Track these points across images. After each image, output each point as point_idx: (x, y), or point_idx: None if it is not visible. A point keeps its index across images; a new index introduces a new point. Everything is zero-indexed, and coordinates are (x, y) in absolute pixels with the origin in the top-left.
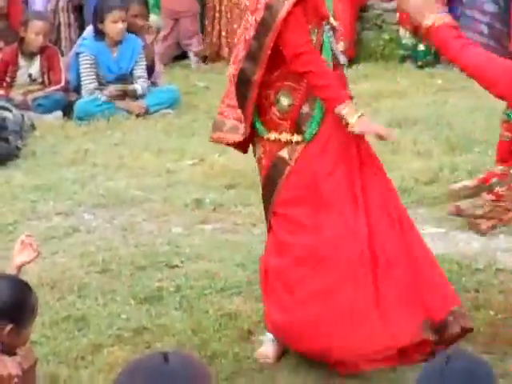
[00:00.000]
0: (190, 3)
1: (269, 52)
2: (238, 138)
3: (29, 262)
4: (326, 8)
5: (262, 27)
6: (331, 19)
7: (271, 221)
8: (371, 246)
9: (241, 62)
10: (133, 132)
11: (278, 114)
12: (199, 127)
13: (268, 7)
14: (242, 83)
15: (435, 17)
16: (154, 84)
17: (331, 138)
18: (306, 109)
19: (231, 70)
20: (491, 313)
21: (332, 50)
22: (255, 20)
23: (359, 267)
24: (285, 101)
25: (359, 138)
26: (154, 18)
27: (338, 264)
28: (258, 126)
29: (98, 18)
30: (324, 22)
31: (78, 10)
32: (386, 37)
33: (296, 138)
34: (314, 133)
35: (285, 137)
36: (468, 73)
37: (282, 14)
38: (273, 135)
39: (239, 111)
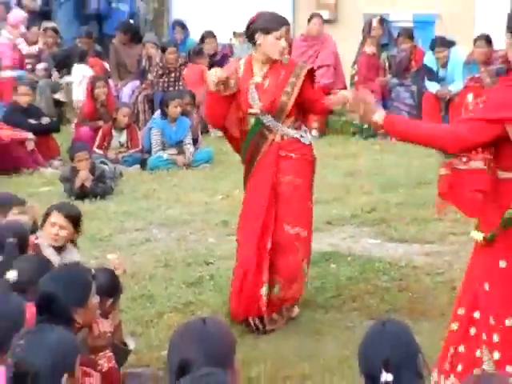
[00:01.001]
0: None
1: None
2: None
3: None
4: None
5: None
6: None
7: None
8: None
9: None
10: (183, 178)
11: None
12: (225, 175)
13: None
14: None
15: (379, 115)
16: (196, 147)
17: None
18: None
19: None
20: (409, 294)
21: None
22: None
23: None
24: None
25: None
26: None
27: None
28: None
29: (164, 104)
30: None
31: (150, 101)
32: (343, 119)
33: None
34: None
35: None
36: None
37: None
38: None
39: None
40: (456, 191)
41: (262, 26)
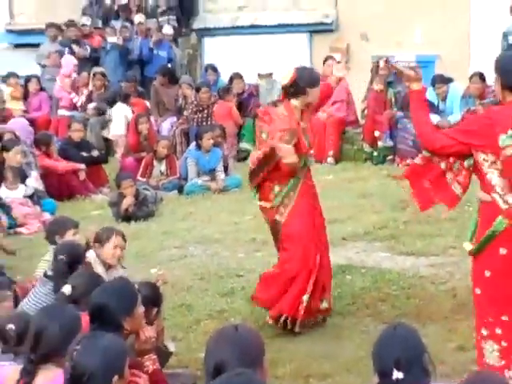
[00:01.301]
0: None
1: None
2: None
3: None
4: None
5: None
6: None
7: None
8: None
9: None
10: (216, 202)
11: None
12: (253, 199)
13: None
14: (257, 169)
15: (417, 85)
16: (227, 174)
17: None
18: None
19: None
20: (416, 301)
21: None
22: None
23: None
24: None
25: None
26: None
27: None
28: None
29: (198, 137)
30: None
31: (186, 134)
32: (356, 147)
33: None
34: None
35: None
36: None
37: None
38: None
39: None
40: (417, 178)
41: (311, 80)
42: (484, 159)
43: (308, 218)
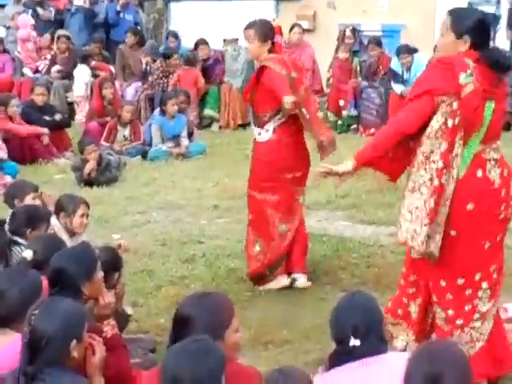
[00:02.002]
0: None
1: None
2: None
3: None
4: None
5: None
6: None
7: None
8: None
9: None
10: (179, 168)
11: None
12: (216, 165)
13: None
14: None
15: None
16: (191, 141)
17: None
18: None
19: None
20: (376, 269)
21: None
22: None
23: None
24: None
25: None
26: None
27: None
28: None
29: (162, 103)
30: None
31: (151, 100)
32: (320, 116)
33: None
34: None
35: None
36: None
37: None
38: None
39: None
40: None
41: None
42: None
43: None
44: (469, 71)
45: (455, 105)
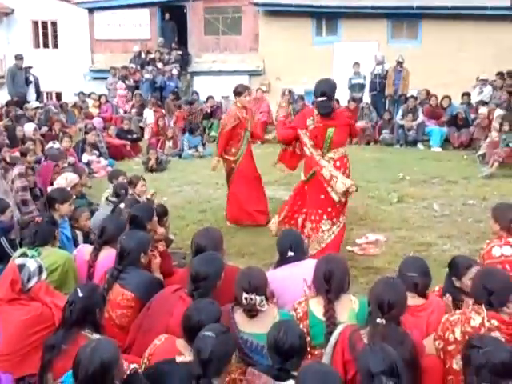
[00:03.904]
0: None
1: None
2: None
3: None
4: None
5: None
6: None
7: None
8: None
9: None
10: (198, 163)
11: None
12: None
13: None
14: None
15: None
16: (204, 148)
17: None
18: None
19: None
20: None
21: None
22: None
23: None
24: None
25: None
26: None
27: None
28: None
29: (190, 131)
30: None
31: (182, 127)
32: (272, 136)
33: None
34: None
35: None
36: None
37: None
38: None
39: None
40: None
41: (241, 89)
42: (303, 133)
43: (248, 168)
44: (311, 117)
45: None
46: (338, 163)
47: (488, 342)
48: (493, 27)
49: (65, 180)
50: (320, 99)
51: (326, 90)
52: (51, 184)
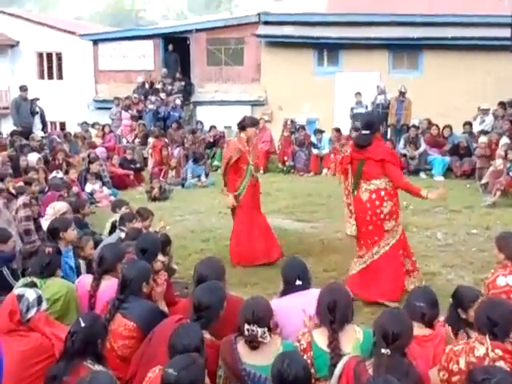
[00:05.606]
0: None
1: None
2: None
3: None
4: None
5: None
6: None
7: (235, 218)
8: None
9: None
10: (201, 192)
11: None
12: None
13: None
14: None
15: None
16: (207, 177)
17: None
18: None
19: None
20: (305, 246)
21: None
22: None
23: None
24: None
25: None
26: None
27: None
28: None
29: (195, 161)
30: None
31: (186, 156)
32: (275, 165)
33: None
34: None
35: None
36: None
37: None
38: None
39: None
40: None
41: (250, 122)
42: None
43: (250, 203)
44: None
45: None
46: (373, 195)
47: (495, 372)
48: (493, 57)
49: (52, 209)
50: (364, 132)
51: (373, 123)
52: (39, 215)
